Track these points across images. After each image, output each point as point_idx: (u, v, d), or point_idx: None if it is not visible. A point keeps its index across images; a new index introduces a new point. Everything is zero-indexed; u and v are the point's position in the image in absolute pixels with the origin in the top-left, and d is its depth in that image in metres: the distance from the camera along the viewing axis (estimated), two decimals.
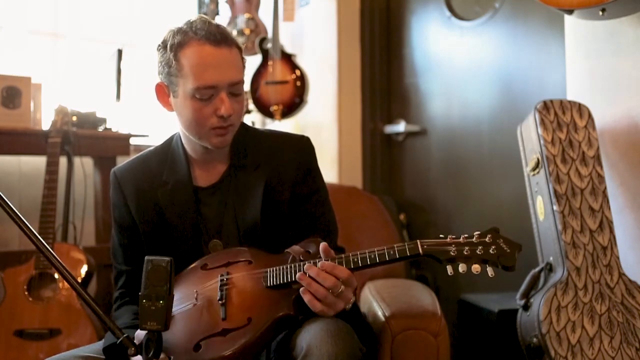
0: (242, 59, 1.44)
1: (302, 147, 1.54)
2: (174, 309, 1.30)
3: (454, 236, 1.26)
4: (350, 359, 1.21)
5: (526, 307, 1.90)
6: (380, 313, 1.61)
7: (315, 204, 1.51)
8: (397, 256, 1.25)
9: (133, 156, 1.58)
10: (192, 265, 1.41)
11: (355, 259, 1.27)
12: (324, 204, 1.54)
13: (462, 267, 1.23)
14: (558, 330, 1.78)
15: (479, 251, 1.22)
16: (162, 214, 1.46)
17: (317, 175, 1.54)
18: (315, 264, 1.26)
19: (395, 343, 1.51)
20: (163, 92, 1.45)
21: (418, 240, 1.25)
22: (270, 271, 1.31)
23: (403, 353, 1.51)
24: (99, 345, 1.40)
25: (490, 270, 1.23)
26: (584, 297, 1.82)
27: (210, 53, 1.35)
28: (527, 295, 1.94)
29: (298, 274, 1.26)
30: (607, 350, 1.77)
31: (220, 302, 1.31)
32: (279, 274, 1.30)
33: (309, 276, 1.25)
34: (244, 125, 1.55)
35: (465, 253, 1.23)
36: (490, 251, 1.22)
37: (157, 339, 1.12)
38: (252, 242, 1.42)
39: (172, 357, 1.28)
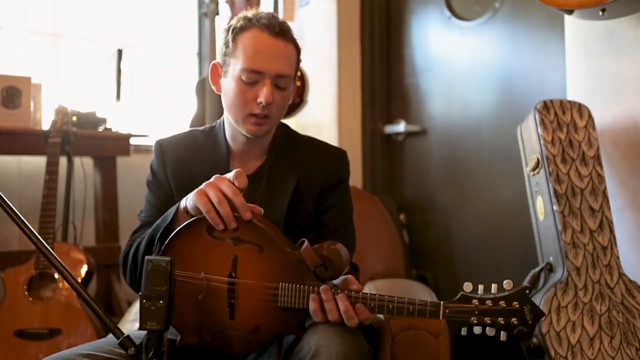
0: (298, 59, 1.49)
1: (338, 158, 1.56)
2: (180, 272, 1.30)
3: (479, 297, 1.22)
4: (359, 358, 1.21)
5: None
6: None
7: (338, 216, 1.52)
8: (415, 315, 1.23)
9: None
10: (199, 217, 1.33)
11: (372, 305, 1.25)
12: (346, 218, 1.55)
13: (477, 330, 1.22)
14: (558, 330, 1.79)
15: (500, 321, 1.21)
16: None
17: (346, 189, 1.56)
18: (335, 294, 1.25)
19: (395, 343, 1.51)
20: (216, 72, 1.49)
21: (442, 304, 1.22)
22: (282, 289, 1.28)
23: (403, 353, 1.51)
24: (100, 342, 1.40)
25: (503, 335, 1.22)
26: (584, 297, 1.82)
27: (265, 41, 1.40)
28: None
29: (311, 304, 1.25)
30: (607, 350, 1.77)
31: (227, 303, 1.30)
32: (292, 297, 1.27)
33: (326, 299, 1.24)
34: (286, 126, 1.58)
35: (486, 321, 1.21)
36: (512, 322, 1.20)
37: (157, 339, 1.12)
38: None
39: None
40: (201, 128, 1.60)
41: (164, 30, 3.53)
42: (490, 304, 1.21)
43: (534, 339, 1.83)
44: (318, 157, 1.54)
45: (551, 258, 1.93)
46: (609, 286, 1.84)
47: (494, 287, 1.23)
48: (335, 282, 1.30)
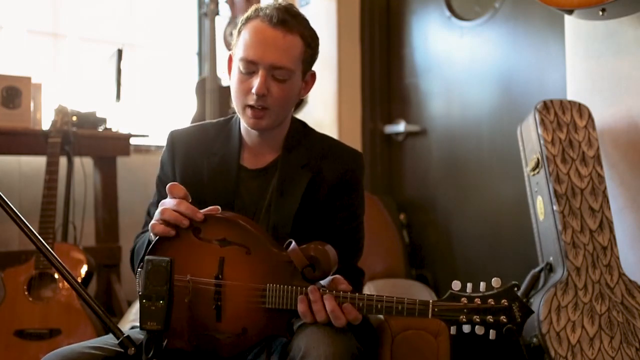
0: (305, 51, 1.42)
1: (353, 159, 1.53)
2: None
3: (467, 295, 1.21)
4: (348, 358, 1.21)
5: None
6: None
7: (348, 217, 1.50)
8: (404, 314, 1.23)
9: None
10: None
11: (361, 304, 1.24)
12: (356, 220, 1.53)
13: (466, 329, 1.22)
14: (558, 330, 1.79)
15: (489, 319, 1.20)
16: (202, 183, 1.46)
17: (359, 191, 1.54)
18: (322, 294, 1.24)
19: (395, 343, 1.51)
20: (230, 62, 1.49)
21: (431, 302, 1.22)
22: (269, 290, 1.27)
23: (403, 353, 1.51)
24: (107, 337, 1.40)
25: (492, 334, 1.21)
26: (584, 297, 1.82)
27: (262, 31, 1.38)
28: (527, 295, 1.94)
29: (300, 306, 1.25)
30: (607, 350, 1.77)
31: (214, 305, 1.29)
32: (280, 298, 1.26)
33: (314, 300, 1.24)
34: (302, 122, 1.56)
35: (475, 320, 1.21)
36: (500, 320, 1.20)
37: (157, 339, 1.12)
38: (280, 236, 1.40)
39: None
40: (215, 121, 1.59)
41: (164, 30, 3.53)
42: (479, 302, 1.21)
43: (534, 339, 1.83)
44: (334, 156, 1.51)
45: (551, 258, 1.93)
46: (609, 286, 1.84)
47: (482, 285, 1.23)
48: (323, 282, 1.29)
